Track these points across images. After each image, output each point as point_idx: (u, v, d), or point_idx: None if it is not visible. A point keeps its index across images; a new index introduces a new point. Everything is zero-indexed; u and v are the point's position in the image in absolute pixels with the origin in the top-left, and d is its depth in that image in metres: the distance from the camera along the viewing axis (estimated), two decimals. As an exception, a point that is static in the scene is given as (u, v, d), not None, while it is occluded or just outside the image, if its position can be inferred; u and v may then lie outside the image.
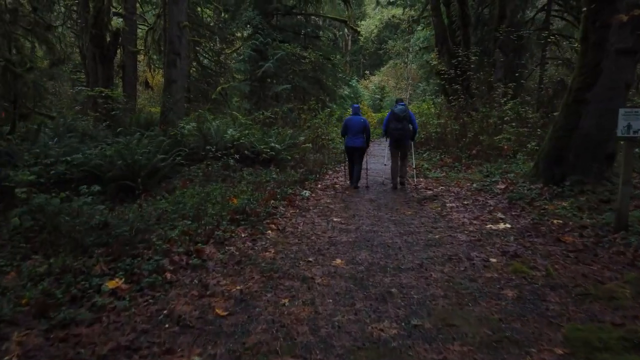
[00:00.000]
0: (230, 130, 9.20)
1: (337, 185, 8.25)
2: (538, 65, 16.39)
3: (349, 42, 38.45)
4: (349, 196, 7.19)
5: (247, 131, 9.69)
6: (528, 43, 16.68)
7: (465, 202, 6.24)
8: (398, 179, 7.87)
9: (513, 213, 5.39)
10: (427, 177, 9.12)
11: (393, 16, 36.14)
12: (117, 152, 7.00)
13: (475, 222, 5.12)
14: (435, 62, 16.11)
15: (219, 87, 17.33)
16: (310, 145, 11.56)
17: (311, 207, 6.10)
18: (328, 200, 6.69)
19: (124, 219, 4.54)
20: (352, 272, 3.43)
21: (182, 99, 11.36)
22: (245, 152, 9.17)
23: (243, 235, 4.36)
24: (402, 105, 7.69)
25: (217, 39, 21.18)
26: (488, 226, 4.85)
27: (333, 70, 19.25)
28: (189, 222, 4.47)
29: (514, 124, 10.39)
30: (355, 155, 7.88)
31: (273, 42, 16.32)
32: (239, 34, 21.64)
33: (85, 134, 9.06)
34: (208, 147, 8.54)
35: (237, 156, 8.58)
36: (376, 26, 38.17)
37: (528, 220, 5.00)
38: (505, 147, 9.19)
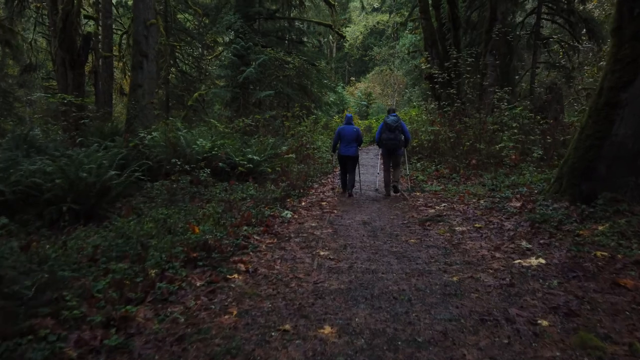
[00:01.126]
0: (200, 140, 8.04)
1: (323, 203, 7.18)
2: (530, 69, 15.65)
3: (334, 49, 37.76)
4: (338, 217, 6.11)
5: (221, 141, 8.55)
6: (517, 47, 15.99)
7: (477, 225, 5.21)
8: (391, 188, 7.99)
9: (541, 241, 4.36)
10: (424, 191, 8.13)
11: (378, 22, 35.60)
12: (59, 168, 5.80)
13: (497, 255, 4.08)
14: (425, 67, 15.28)
15: (196, 94, 16.19)
16: (293, 155, 10.47)
17: (292, 235, 5.00)
18: (313, 224, 5.59)
19: (41, 262, 3.39)
20: (349, 353, 2.32)
21: (150, 105, 10.18)
22: (220, 164, 8.04)
23: (198, 285, 3.22)
24: (394, 115, 7.78)
25: (198, 44, 20.12)
26: (516, 261, 3.82)
27: (318, 76, 18.31)
28: (126, 267, 3.32)
29: (516, 130, 9.49)
30: (348, 164, 7.96)
31: (255, 46, 15.26)
32: (220, 39, 20.60)
33: (32, 146, 7.82)
34: (174, 160, 7.40)
35: (208, 170, 7.45)
36: (361, 32, 37.57)
37: (563, 252, 3.97)
38: (513, 156, 8.23)
